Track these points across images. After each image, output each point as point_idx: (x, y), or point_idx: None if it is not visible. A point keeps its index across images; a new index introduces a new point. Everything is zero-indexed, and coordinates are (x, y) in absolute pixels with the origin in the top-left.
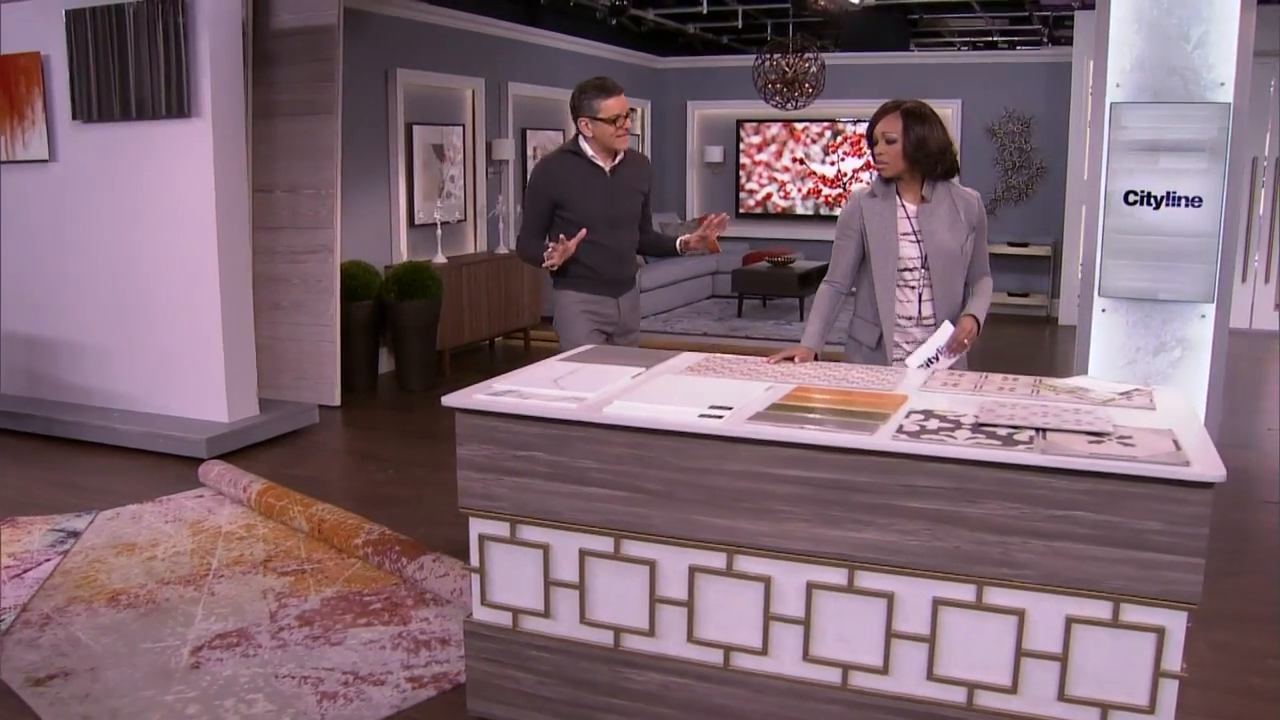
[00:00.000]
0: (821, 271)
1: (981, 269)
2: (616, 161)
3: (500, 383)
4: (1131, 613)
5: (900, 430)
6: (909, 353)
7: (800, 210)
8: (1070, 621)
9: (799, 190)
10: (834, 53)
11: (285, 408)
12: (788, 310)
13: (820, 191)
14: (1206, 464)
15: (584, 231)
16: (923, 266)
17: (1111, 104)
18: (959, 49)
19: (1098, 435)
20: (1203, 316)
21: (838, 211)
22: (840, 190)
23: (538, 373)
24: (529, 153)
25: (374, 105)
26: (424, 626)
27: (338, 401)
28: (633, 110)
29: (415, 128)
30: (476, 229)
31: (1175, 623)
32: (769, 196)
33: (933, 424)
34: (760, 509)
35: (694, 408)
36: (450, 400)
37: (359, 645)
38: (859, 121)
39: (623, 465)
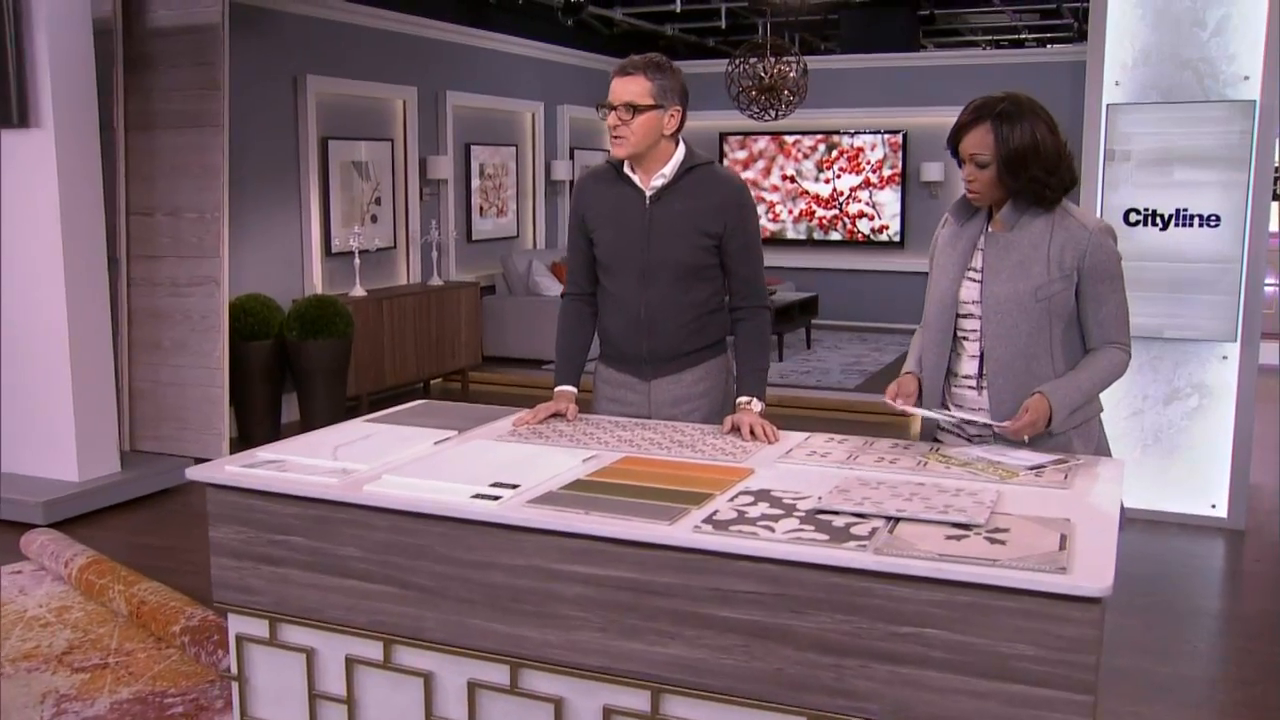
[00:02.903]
0: (808, 305)
1: (1104, 334)
2: (665, 182)
3: (267, 451)
4: None
5: (710, 518)
6: (960, 426)
7: (791, 234)
8: None
9: (790, 212)
10: (836, 54)
11: (155, 464)
12: None
13: (814, 213)
14: (1091, 571)
15: (562, 407)
16: (979, 314)
17: (1108, 105)
18: (983, 48)
19: (961, 528)
20: (1224, 358)
21: (834, 236)
22: (836, 211)
23: (325, 437)
24: (473, 170)
25: (280, 117)
26: None
27: (226, 455)
28: (655, 108)
29: (331, 142)
30: (409, 258)
31: None
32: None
33: (757, 510)
34: (546, 613)
35: (474, 485)
36: (196, 473)
37: None
38: (857, 133)
39: (389, 555)
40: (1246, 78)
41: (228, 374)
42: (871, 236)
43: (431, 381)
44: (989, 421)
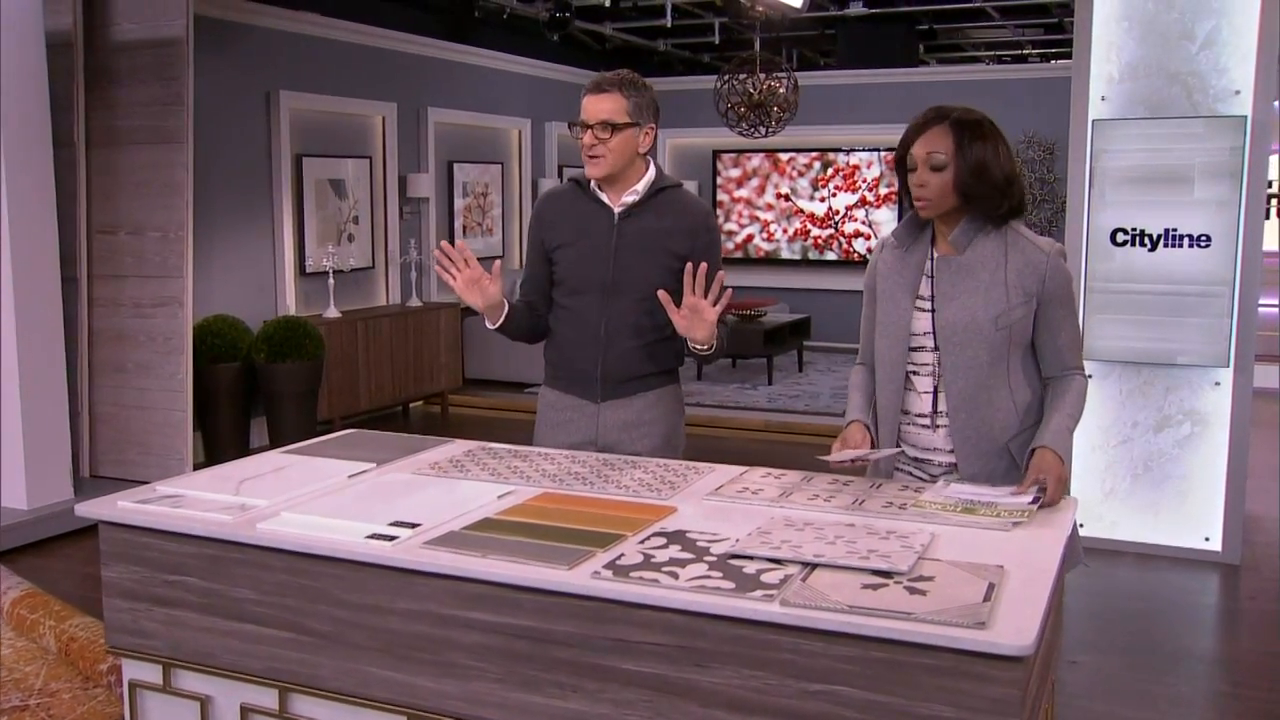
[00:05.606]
0: (799, 326)
1: (1062, 362)
2: (637, 199)
3: (167, 485)
4: None
5: (613, 563)
6: (918, 466)
7: (786, 254)
8: None
9: (784, 231)
10: (831, 70)
11: (111, 490)
12: (756, 371)
13: (809, 232)
14: (1013, 627)
15: (498, 264)
16: (934, 347)
17: (1094, 121)
18: (987, 63)
19: (882, 575)
20: (1217, 384)
21: (829, 256)
22: (832, 230)
23: (234, 470)
24: (455, 189)
25: (252, 133)
26: None
27: None
28: (632, 125)
29: (306, 160)
30: (389, 278)
31: None
32: (750, 238)
33: (666, 553)
34: (442, 662)
35: (373, 524)
36: (86, 509)
37: None
38: (852, 150)
39: (285, 597)
40: (1237, 92)
41: (191, 397)
42: (868, 256)
43: (411, 405)
44: (1023, 501)
